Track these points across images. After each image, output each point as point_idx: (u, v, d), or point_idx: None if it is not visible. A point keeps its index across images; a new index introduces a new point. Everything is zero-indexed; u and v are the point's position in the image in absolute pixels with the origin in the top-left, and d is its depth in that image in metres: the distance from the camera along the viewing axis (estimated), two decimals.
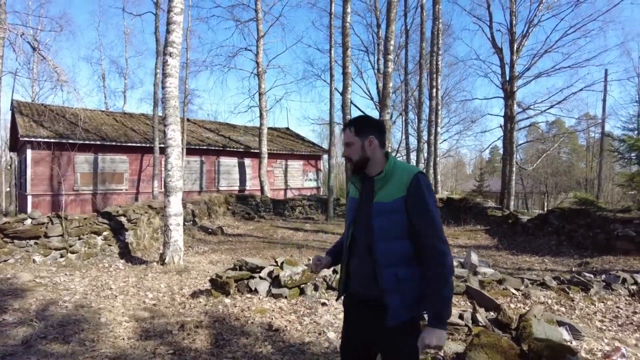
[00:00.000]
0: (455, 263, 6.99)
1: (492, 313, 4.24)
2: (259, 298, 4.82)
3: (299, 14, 44.79)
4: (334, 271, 5.32)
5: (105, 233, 7.38)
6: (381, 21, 22.29)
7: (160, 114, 19.65)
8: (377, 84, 22.44)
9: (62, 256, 6.82)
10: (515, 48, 19.08)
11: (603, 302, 4.94)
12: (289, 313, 4.50)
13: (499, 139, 22.32)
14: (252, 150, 20.14)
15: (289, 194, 21.27)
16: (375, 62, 22.67)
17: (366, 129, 1.87)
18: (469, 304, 4.87)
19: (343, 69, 9.83)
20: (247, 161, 20.45)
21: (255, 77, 19.56)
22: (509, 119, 19.99)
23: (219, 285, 4.96)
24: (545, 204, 33.59)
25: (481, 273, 6.50)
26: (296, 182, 22.60)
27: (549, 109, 19.23)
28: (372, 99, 23.02)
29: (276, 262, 5.38)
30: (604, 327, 4.33)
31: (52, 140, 13.45)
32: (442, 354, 3.38)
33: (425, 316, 1.74)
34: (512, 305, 4.77)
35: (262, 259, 6.14)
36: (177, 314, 4.54)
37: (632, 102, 30.98)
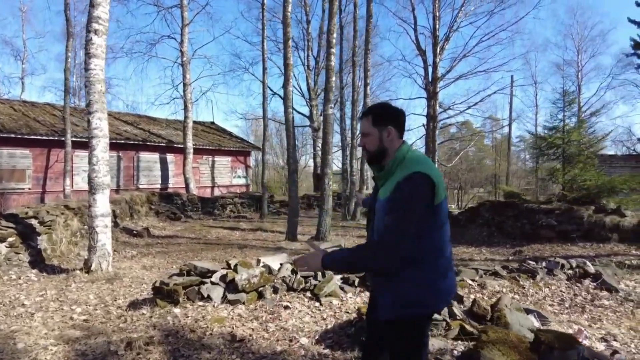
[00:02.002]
0: None
1: (461, 305, 4.23)
2: (214, 305, 4.32)
3: (228, 3, 42.75)
4: (293, 271, 4.99)
5: (10, 239, 6.21)
6: (311, 17, 22.21)
7: (72, 104, 17.51)
8: (307, 80, 22.33)
9: None
10: (437, 51, 20.16)
11: (548, 287, 5.24)
12: (249, 320, 4.08)
13: (420, 137, 23.53)
14: (175, 145, 18.81)
15: (217, 192, 20.30)
16: (305, 59, 22.54)
17: (385, 118, 1.80)
18: None
19: (284, 60, 9.44)
20: (170, 157, 19.07)
21: (180, 67, 18.32)
22: (432, 119, 21.10)
23: (165, 294, 4.36)
24: (459, 199, 36.26)
25: None
26: (224, 179, 21.64)
27: (467, 109, 20.68)
28: (302, 95, 22.84)
29: (229, 264, 4.90)
30: (556, 311, 4.56)
31: None
32: (431, 349, 3.24)
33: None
34: (471, 296, 4.83)
35: (211, 262, 5.59)
36: (118, 329, 3.88)
37: (532, 106, 34.62)
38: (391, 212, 1.64)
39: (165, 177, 18.65)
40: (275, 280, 4.76)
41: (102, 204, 5.94)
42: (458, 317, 3.68)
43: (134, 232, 9.91)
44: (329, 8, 8.88)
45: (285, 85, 9.39)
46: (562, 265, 5.59)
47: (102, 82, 6.01)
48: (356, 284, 4.92)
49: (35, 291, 5.26)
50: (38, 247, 6.54)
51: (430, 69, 21.22)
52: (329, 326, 3.89)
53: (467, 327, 3.53)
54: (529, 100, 34.83)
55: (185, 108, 17.84)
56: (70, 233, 7.49)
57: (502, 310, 3.70)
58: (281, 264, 5.06)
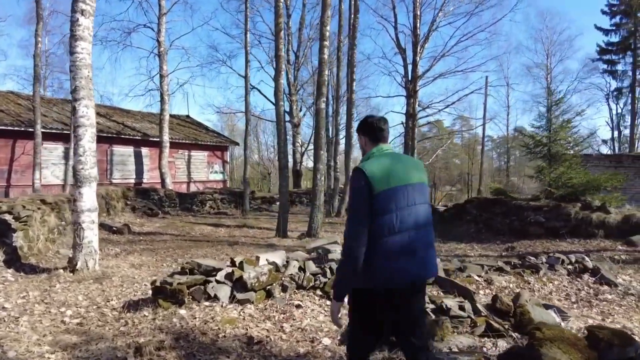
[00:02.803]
0: None
1: (480, 301, 4.16)
2: (222, 305, 4.07)
3: None
4: (300, 269, 4.79)
5: None
6: (291, 11, 21.90)
7: (43, 91, 16.47)
8: (287, 75, 22.01)
9: None
10: (418, 49, 20.30)
11: (552, 282, 5.27)
12: (262, 320, 3.86)
13: (399, 135, 23.66)
14: (150, 139, 18.10)
15: (193, 188, 19.71)
16: (285, 53, 22.17)
17: (359, 129, 2.24)
18: (441, 292, 4.79)
19: (276, 51, 9.18)
20: (145, 151, 18.33)
21: (156, 58, 17.62)
22: (411, 117, 21.26)
23: (168, 294, 4.06)
24: (433, 197, 36.86)
25: None
26: (200, 174, 21.04)
27: (445, 108, 20.95)
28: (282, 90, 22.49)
29: (233, 262, 4.64)
30: (565, 306, 4.56)
31: None
32: (460, 346, 3.13)
33: None
34: (480, 292, 4.80)
35: (216, 260, 5.32)
36: (120, 333, 3.57)
37: (504, 106, 35.58)
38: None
39: (140, 172, 17.92)
40: (284, 278, 4.55)
41: (89, 198, 5.53)
42: (482, 314, 3.61)
43: (114, 228, 9.40)
44: (322, 0, 8.69)
45: (276, 78, 9.13)
46: (562, 261, 5.65)
47: (89, 67, 5.58)
48: None
49: (15, 293, 4.81)
50: (13, 244, 6.03)
51: (410, 67, 21.37)
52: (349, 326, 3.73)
53: (494, 324, 3.46)
54: (500, 100, 35.84)
55: (162, 100, 17.19)
56: (48, 229, 6.97)
57: (524, 306, 3.66)
58: (287, 261, 4.85)
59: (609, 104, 30.47)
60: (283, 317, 3.93)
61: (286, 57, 22.15)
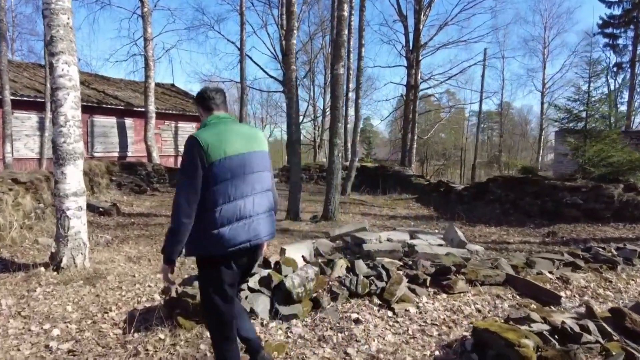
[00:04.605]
0: (439, 241, 6.13)
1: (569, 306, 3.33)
2: (262, 324, 3.13)
3: None
4: (348, 269, 3.87)
5: None
6: None
7: (11, 56, 14.73)
8: (281, 41, 20.54)
9: None
10: (421, 17, 19.07)
11: (633, 280, 4.52)
12: (317, 344, 2.95)
13: (398, 107, 22.64)
14: (134, 109, 16.66)
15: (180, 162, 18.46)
16: (279, 17, 20.62)
17: (195, 101, 2.26)
18: (516, 295, 3.97)
19: (287, 7, 7.97)
20: (129, 122, 16.89)
21: (139, 19, 15.95)
22: (412, 88, 20.22)
23: (190, 310, 3.09)
24: (424, 172, 36.38)
25: (474, 251, 5.76)
26: None
27: (447, 80, 19.98)
28: (275, 57, 21.03)
29: (267, 261, 3.69)
30: None
31: None
32: None
33: None
34: (562, 293, 3.99)
35: None
36: None
37: (499, 81, 34.81)
38: None
39: (124, 145, 16.55)
40: (331, 282, 3.63)
41: (74, 178, 4.43)
42: (614, 337, 2.77)
43: (101, 209, 8.26)
44: None
45: (288, 38, 7.93)
46: (639, 254, 4.89)
47: (68, 12, 4.37)
48: (427, 283, 3.89)
49: None
50: None
51: (411, 36, 20.15)
52: (435, 351, 2.85)
53: (636, 353, 2.63)
54: (495, 74, 34.89)
55: (147, 66, 15.68)
56: (23, 214, 5.84)
57: None
58: (334, 261, 3.92)
59: (607, 80, 29.89)
60: (342, 338, 3.03)
61: (279, 22, 20.63)
